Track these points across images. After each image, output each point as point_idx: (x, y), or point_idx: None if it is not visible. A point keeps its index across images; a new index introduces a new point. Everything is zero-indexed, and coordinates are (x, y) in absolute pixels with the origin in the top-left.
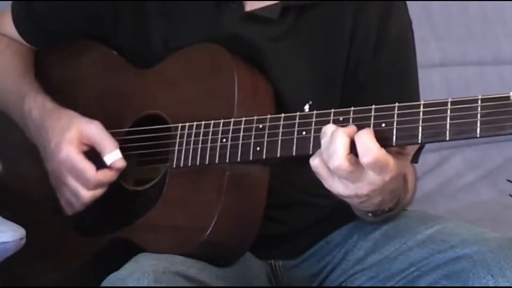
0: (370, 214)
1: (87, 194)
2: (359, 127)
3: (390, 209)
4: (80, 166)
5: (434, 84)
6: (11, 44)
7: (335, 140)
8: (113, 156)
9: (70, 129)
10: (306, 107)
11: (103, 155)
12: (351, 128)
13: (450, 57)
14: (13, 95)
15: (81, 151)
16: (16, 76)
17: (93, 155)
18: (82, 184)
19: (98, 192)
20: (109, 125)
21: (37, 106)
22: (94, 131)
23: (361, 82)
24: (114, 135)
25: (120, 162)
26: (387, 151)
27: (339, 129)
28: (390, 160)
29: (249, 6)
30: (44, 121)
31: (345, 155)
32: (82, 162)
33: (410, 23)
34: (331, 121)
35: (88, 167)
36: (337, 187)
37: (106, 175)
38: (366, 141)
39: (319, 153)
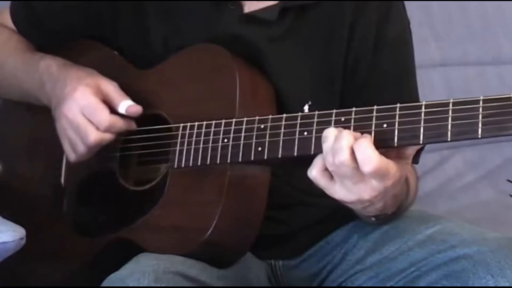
0: (373, 219)
1: (95, 135)
2: (361, 128)
3: (393, 213)
4: (94, 105)
5: (434, 84)
6: (14, 35)
7: (342, 139)
8: (127, 103)
9: (88, 78)
10: (306, 108)
11: (117, 105)
12: (357, 133)
13: (450, 57)
14: (25, 65)
15: (98, 96)
16: (27, 52)
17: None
18: (93, 123)
19: (107, 137)
20: None
21: (56, 62)
22: (111, 87)
23: (360, 82)
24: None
25: (134, 107)
26: (387, 151)
27: (345, 130)
28: (390, 166)
29: (248, 7)
30: (63, 72)
31: (350, 152)
32: (97, 102)
33: (408, 23)
34: (333, 121)
35: (103, 108)
36: (340, 193)
37: (118, 120)
38: (366, 149)
39: (316, 164)
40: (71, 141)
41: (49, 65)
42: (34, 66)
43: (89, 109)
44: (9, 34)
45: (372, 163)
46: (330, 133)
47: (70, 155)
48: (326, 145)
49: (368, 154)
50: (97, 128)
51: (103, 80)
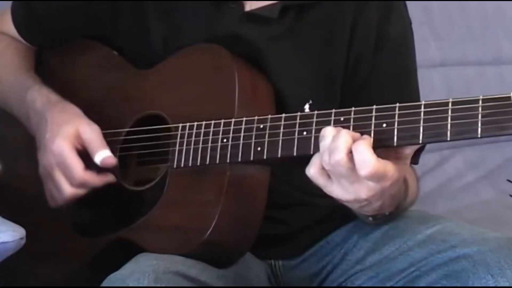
0: (370, 218)
1: (69, 190)
2: (361, 127)
3: (391, 213)
4: (68, 161)
5: (434, 84)
6: (11, 44)
7: (339, 138)
8: (103, 154)
9: (68, 125)
10: (306, 107)
11: (93, 155)
12: (356, 133)
13: (450, 57)
14: (16, 89)
15: (74, 148)
16: (18, 72)
17: (86, 158)
18: (67, 179)
19: (81, 192)
20: (110, 125)
21: (41, 97)
22: (90, 134)
23: (361, 81)
24: (114, 135)
25: (110, 159)
26: (386, 152)
27: (343, 130)
28: (388, 169)
29: (249, 6)
30: (45, 112)
31: (346, 152)
32: (71, 157)
33: (410, 23)
34: (332, 121)
35: (76, 164)
36: (337, 192)
37: (92, 177)
38: (364, 152)
39: (314, 162)
40: (49, 191)
41: (34, 99)
42: (22, 96)
43: (63, 165)
44: (7, 43)
45: (369, 167)
46: (328, 132)
47: (50, 201)
48: (323, 144)
49: (366, 158)
50: (71, 184)
51: (83, 125)
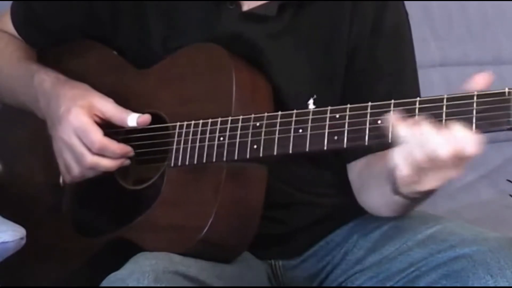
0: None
1: (90, 158)
2: (356, 124)
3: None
4: (88, 127)
5: (434, 84)
6: (11, 41)
7: (431, 134)
8: (134, 116)
9: (82, 98)
10: (311, 102)
11: (124, 121)
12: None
13: (450, 57)
14: (20, 76)
15: (92, 118)
16: (21, 61)
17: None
18: (87, 146)
19: (103, 162)
20: (109, 125)
21: (49, 78)
22: (108, 105)
23: (358, 71)
24: (113, 134)
25: (144, 117)
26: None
27: (422, 124)
28: None
29: (247, 6)
30: (56, 89)
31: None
32: (90, 124)
33: (407, 14)
34: (328, 118)
35: (95, 130)
36: (431, 183)
37: (111, 142)
38: (459, 132)
39: (401, 163)
40: (66, 162)
41: (43, 80)
42: (28, 80)
43: (81, 130)
44: (7, 40)
45: (472, 142)
46: (408, 130)
47: (65, 176)
48: (412, 142)
49: (466, 135)
50: (90, 151)
51: (97, 98)
